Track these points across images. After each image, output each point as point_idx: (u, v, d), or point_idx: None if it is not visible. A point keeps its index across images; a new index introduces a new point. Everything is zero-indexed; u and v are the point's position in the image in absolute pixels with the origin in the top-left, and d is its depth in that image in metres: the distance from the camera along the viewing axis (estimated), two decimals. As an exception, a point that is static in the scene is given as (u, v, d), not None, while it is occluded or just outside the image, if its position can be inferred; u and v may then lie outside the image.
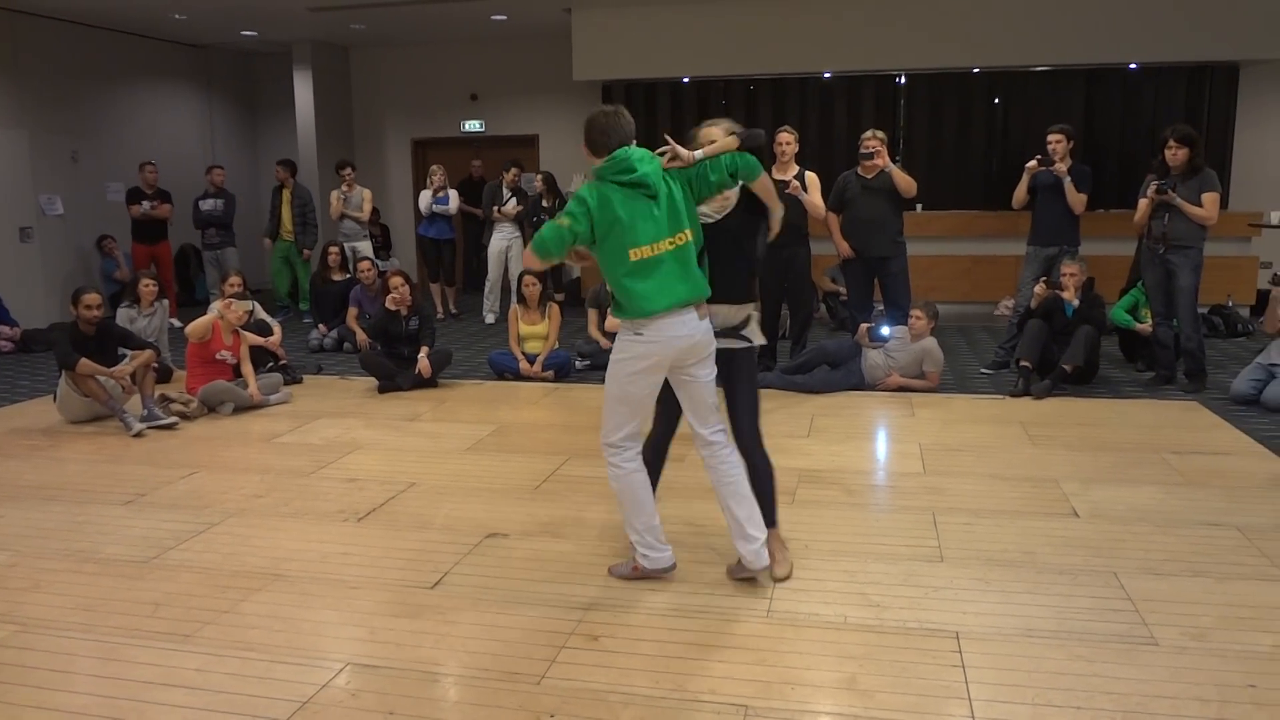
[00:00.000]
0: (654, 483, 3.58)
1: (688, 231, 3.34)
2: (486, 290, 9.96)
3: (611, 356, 3.43)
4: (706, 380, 3.41)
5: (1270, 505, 4.30)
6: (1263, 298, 8.50)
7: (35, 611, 3.41)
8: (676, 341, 3.30)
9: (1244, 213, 9.56)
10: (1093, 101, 10.12)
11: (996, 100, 10.39)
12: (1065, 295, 6.59)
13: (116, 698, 2.82)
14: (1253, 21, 9.08)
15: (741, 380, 3.60)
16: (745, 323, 3.58)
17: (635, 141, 3.41)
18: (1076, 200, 6.88)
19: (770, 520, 3.60)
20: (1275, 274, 8.41)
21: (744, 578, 3.53)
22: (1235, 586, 3.47)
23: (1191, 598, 3.37)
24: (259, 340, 6.88)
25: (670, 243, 3.31)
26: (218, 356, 6.39)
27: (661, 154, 3.36)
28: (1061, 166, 6.86)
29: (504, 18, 10.59)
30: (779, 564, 3.59)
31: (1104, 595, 3.40)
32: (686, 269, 3.33)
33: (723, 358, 3.50)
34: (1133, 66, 9.82)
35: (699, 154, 3.37)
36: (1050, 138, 6.95)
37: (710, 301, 3.43)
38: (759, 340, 3.61)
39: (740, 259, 3.55)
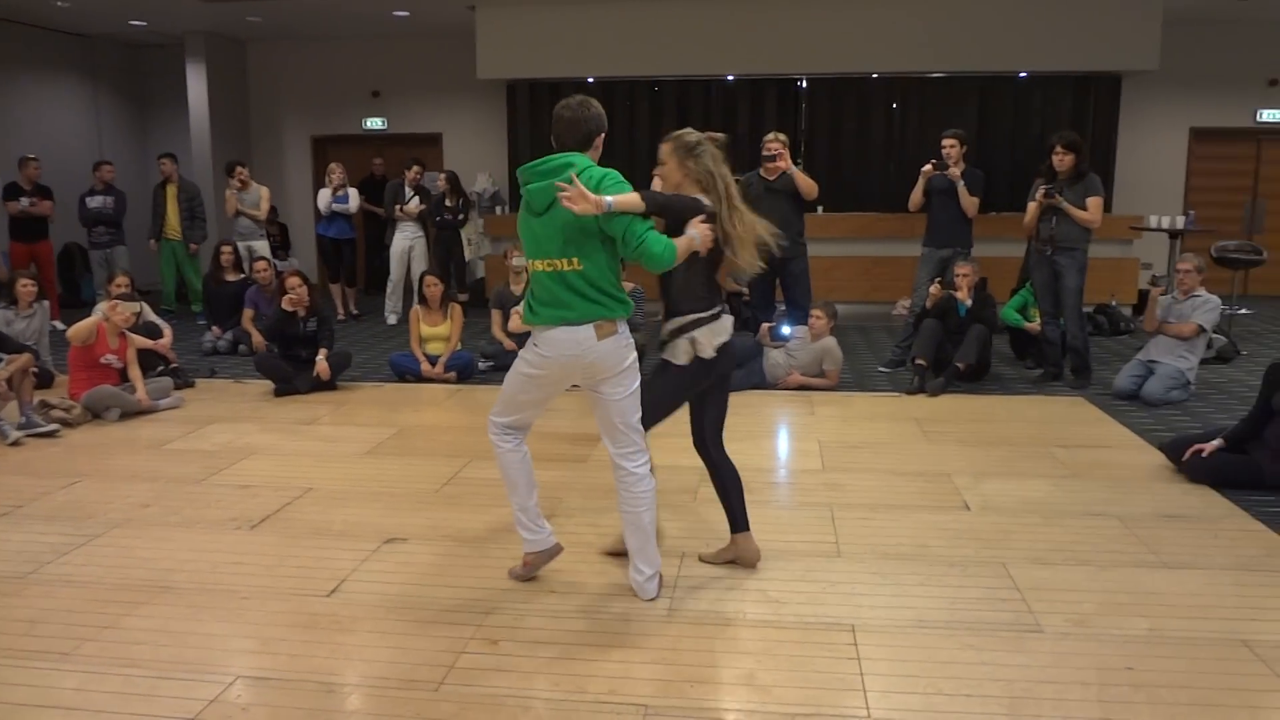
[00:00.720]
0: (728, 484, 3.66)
1: (575, 261, 3.15)
2: (389, 290, 9.79)
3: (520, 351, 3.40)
4: (615, 400, 3.27)
5: (1149, 496, 4.50)
6: (1143, 297, 8.89)
7: (-102, 632, 3.22)
8: (564, 359, 3.22)
9: (1126, 216, 9.98)
10: (985, 108, 10.45)
11: (894, 105, 10.65)
12: (959, 295, 6.79)
13: (-13, 720, 2.69)
14: (1134, 35, 9.52)
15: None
16: (669, 336, 3.49)
17: (599, 138, 3.29)
18: (969, 203, 7.09)
19: (743, 523, 3.67)
20: (1154, 275, 8.85)
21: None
22: (1115, 574, 3.61)
23: (1075, 586, 3.50)
24: (148, 343, 6.62)
25: (549, 264, 3.18)
26: (103, 360, 6.14)
27: (562, 194, 3.06)
28: (955, 170, 7.06)
29: (406, 14, 10.42)
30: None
31: (993, 585, 3.51)
32: (568, 293, 3.16)
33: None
34: (1022, 75, 10.19)
35: (608, 202, 3.06)
36: (944, 142, 7.15)
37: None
38: (678, 360, 3.45)
39: (665, 276, 3.44)
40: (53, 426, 5.66)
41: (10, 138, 10.51)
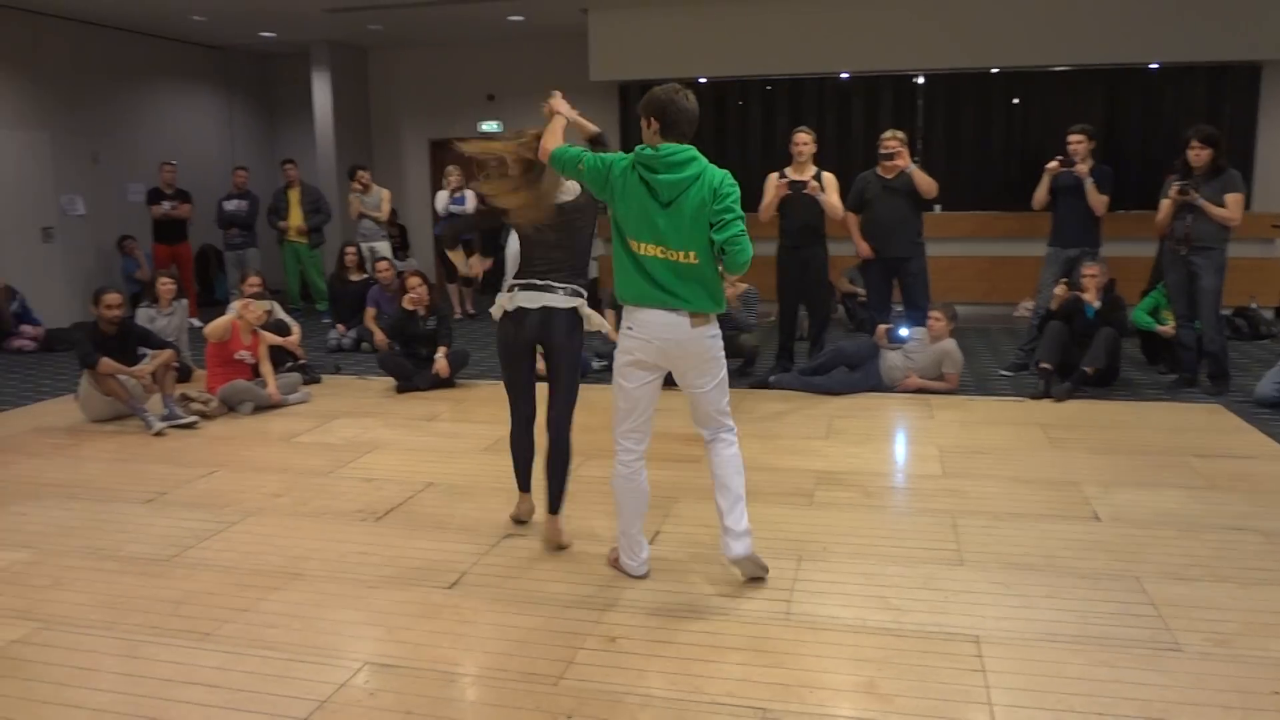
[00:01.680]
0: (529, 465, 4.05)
1: (692, 254, 3.27)
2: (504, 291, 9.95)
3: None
4: (705, 391, 3.42)
5: (1295, 510, 4.25)
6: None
7: (57, 609, 3.43)
8: (659, 342, 3.33)
9: (1268, 213, 9.47)
10: (1113, 102, 10.05)
11: (1016, 100, 10.33)
12: (1086, 297, 6.54)
13: (138, 695, 2.84)
14: (1275, 21, 8.99)
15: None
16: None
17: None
18: (1098, 201, 6.83)
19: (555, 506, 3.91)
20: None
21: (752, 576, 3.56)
22: (1259, 592, 3.43)
23: (1215, 603, 3.34)
24: (278, 340, 6.91)
25: (664, 252, 3.28)
26: (237, 356, 6.42)
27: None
28: (1083, 167, 6.81)
29: (521, 18, 10.60)
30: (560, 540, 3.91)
31: (1126, 600, 3.37)
32: (678, 281, 3.29)
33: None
34: (1154, 66, 9.75)
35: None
36: (1071, 138, 6.90)
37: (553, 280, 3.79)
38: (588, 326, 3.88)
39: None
40: (192, 418, 5.96)
41: (152, 145, 11.09)
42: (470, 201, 10.03)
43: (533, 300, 3.85)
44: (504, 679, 2.91)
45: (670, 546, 3.92)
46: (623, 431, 3.49)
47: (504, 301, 3.93)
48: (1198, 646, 3.03)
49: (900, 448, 5.39)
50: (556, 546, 3.91)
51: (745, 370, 7.26)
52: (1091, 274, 6.58)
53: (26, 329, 8.97)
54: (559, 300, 3.83)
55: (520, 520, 4.18)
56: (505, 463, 5.08)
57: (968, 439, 5.46)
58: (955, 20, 9.49)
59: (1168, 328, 7.00)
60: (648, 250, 3.30)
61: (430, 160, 12.71)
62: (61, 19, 9.98)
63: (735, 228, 3.24)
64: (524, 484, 4.16)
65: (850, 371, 6.67)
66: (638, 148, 3.34)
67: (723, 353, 3.45)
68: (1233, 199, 6.20)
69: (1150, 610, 3.29)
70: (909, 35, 9.62)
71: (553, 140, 3.60)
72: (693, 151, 3.29)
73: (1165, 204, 6.43)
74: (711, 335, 3.38)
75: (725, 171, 3.34)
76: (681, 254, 3.27)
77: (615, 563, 3.68)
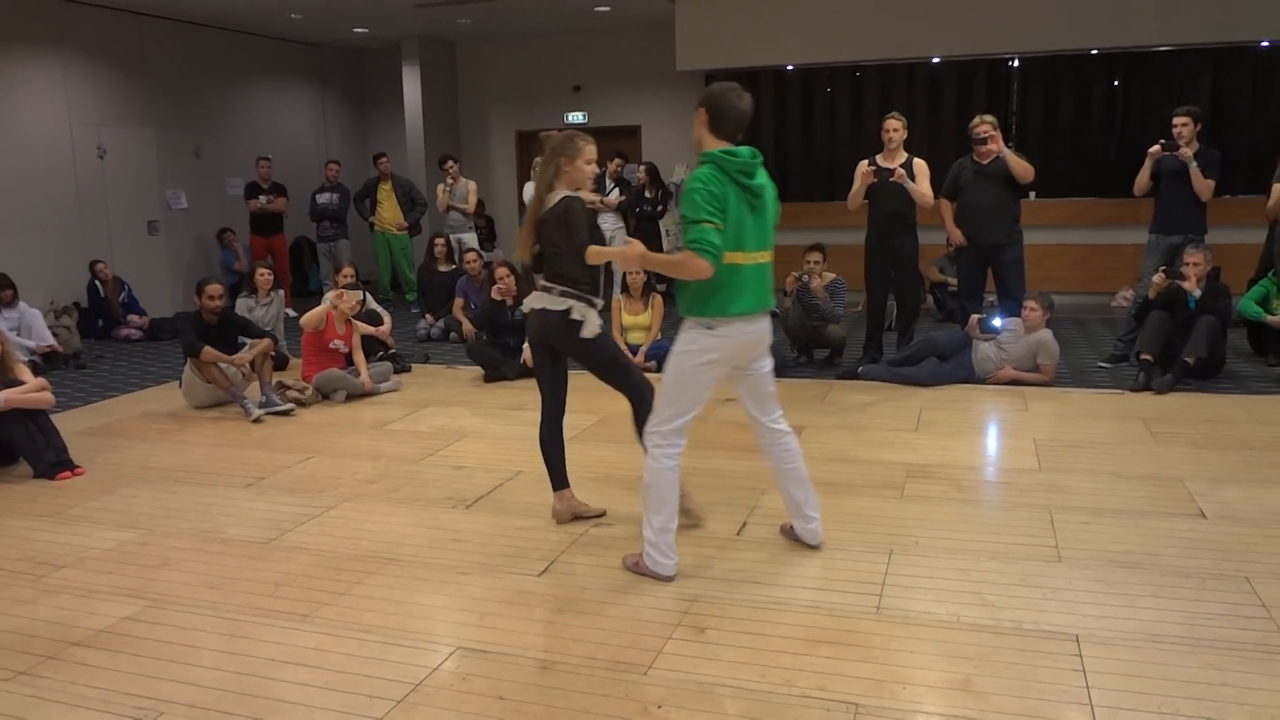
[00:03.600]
0: (558, 462, 4.07)
1: (770, 252, 3.44)
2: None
3: (676, 347, 3.45)
4: (765, 372, 3.54)
5: None
6: None
7: (165, 588, 3.57)
8: (742, 338, 3.40)
9: (1388, 198, 8.96)
10: (1220, 82, 9.64)
11: (1116, 83, 9.99)
12: (1186, 286, 6.28)
13: (242, 674, 2.94)
14: (1400, -7, 8.50)
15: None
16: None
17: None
18: (1203, 186, 6.56)
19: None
20: None
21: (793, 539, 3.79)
22: (1381, 595, 3.26)
23: (1333, 606, 3.19)
24: (370, 330, 7.06)
25: (765, 257, 3.41)
26: (331, 345, 6.59)
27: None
28: (1188, 151, 6.54)
29: (607, 9, 10.62)
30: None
31: (1235, 601, 3.24)
32: (763, 283, 3.43)
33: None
34: (1264, 44, 9.30)
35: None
36: (1176, 120, 6.63)
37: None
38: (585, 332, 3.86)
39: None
40: (288, 406, 6.13)
41: (250, 140, 11.44)
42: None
43: (534, 301, 3.93)
44: (593, 667, 2.93)
45: (758, 538, 3.90)
46: (680, 426, 3.45)
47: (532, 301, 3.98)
48: (1314, 651, 2.90)
49: (994, 441, 5.27)
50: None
51: (833, 361, 7.17)
52: (1194, 262, 6.32)
53: (133, 318, 9.34)
54: (553, 302, 3.84)
55: (575, 517, 4.12)
56: (594, 452, 5.15)
57: (1065, 432, 5.30)
58: (1052, 1, 9.19)
59: (1278, 317, 6.69)
60: (758, 258, 3.39)
61: (517, 151, 12.83)
62: (167, 19, 10.34)
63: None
64: (557, 482, 4.12)
65: (941, 362, 6.54)
66: (716, 153, 3.28)
67: None
68: (1351, 183, 5.90)
69: (1261, 612, 3.15)
70: (1003, 17, 9.35)
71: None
72: (755, 151, 3.40)
73: (1277, 189, 6.14)
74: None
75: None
76: (766, 254, 3.43)
77: (637, 566, 3.55)
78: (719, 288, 3.30)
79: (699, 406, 3.47)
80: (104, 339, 9.12)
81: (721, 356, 3.39)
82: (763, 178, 3.38)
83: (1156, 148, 6.67)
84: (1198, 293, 6.27)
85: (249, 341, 6.42)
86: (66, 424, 5.51)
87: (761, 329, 3.45)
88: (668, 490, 3.45)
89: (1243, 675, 2.78)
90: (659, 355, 7.12)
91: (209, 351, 6.06)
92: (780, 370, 6.85)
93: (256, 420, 5.95)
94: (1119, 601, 3.26)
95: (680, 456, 3.47)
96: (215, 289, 6.27)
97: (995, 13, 9.33)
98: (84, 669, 2.99)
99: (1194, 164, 6.52)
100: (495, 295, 7.01)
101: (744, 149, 3.33)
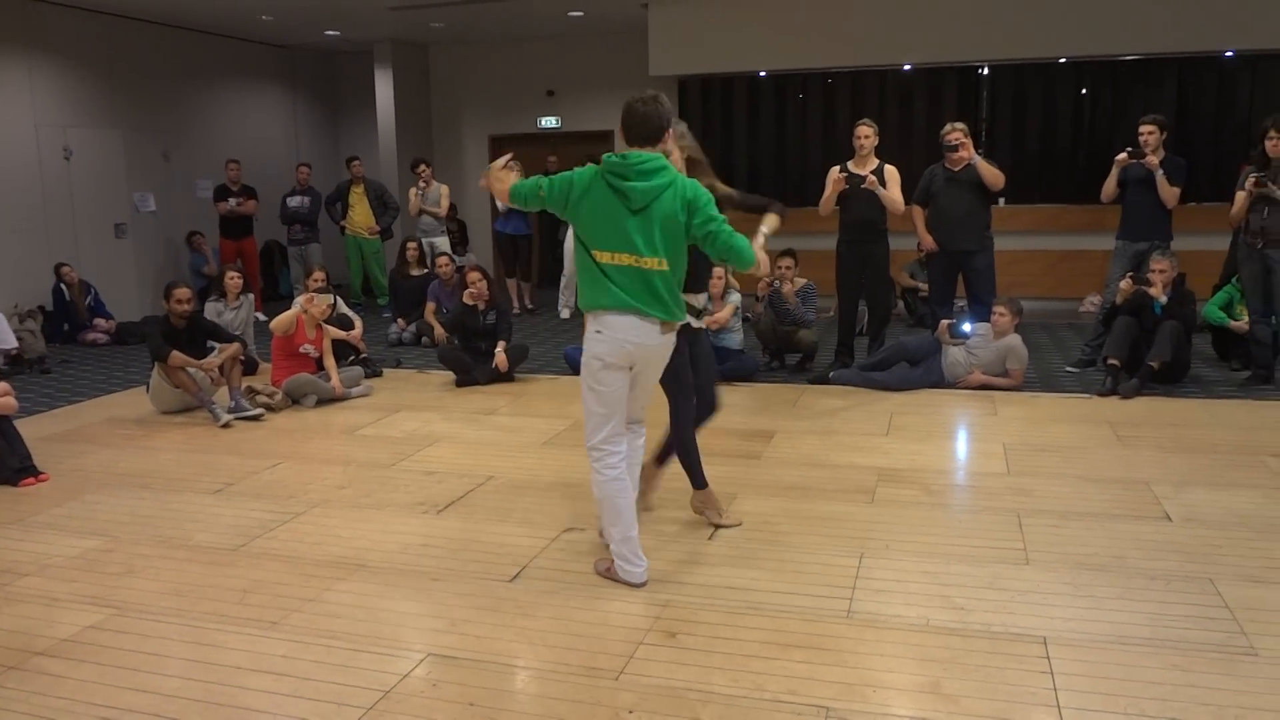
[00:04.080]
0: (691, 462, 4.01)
1: (662, 261, 3.30)
2: (562, 285, 10.02)
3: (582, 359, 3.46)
4: (653, 381, 3.57)
5: (1379, 512, 4.10)
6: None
7: (131, 596, 3.52)
8: (629, 346, 3.33)
9: (1348, 206, 9.11)
10: (1185, 91, 9.78)
11: (1084, 91, 10.11)
12: (1152, 292, 6.35)
13: (207, 681, 2.90)
14: (1360, 5, 8.67)
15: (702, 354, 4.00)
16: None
17: (668, 132, 3.41)
18: (1169, 194, 6.64)
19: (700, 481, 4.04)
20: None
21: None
22: (1342, 597, 3.31)
23: (1294, 607, 3.23)
24: (341, 334, 7.01)
25: (634, 259, 3.28)
26: (301, 350, 6.53)
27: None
28: (1154, 159, 6.63)
29: (580, 14, 10.62)
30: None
31: (1200, 602, 3.28)
32: (646, 291, 3.30)
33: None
34: (1228, 54, 9.46)
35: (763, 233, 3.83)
36: (1142, 129, 6.72)
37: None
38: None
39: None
40: (258, 411, 6.08)
41: (220, 142, 11.34)
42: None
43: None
44: (565, 673, 2.92)
45: (730, 542, 3.91)
46: (604, 438, 3.43)
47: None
48: (1274, 651, 2.94)
49: (963, 445, 5.31)
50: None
51: (804, 366, 7.20)
52: (1160, 268, 6.40)
53: (100, 322, 9.23)
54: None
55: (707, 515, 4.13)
56: (565, 456, 5.14)
57: (1033, 436, 5.35)
58: (1021, 9, 9.29)
59: (1241, 323, 6.79)
60: (619, 259, 3.30)
61: (490, 156, 12.79)
62: (135, 20, 10.22)
63: (722, 233, 3.32)
64: (696, 481, 4.06)
65: (911, 367, 6.58)
66: (605, 156, 3.35)
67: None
68: (1313, 191, 6.00)
69: (1225, 613, 3.19)
70: (973, 25, 9.44)
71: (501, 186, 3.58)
72: (662, 160, 3.33)
73: (1241, 196, 6.24)
74: (671, 340, 3.47)
75: (693, 180, 3.41)
76: (654, 260, 3.29)
77: (609, 572, 3.55)
78: (588, 283, 3.37)
79: (614, 417, 3.42)
80: (70, 343, 9.01)
81: (611, 361, 3.34)
82: (645, 182, 3.25)
83: (1123, 155, 6.76)
84: (1164, 299, 6.35)
85: (218, 346, 6.35)
86: (30, 430, 5.43)
87: (651, 340, 3.34)
88: (619, 500, 3.43)
89: (1207, 676, 2.81)
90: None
91: (177, 356, 5.99)
92: (752, 375, 6.96)
93: (225, 425, 5.89)
94: (1086, 604, 3.29)
95: (623, 463, 3.45)
96: (183, 293, 6.20)
97: (966, 21, 9.42)
98: (47, 679, 2.94)
99: (1160, 172, 6.61)
100: (468, 300, 6.98)
101: (636, 154, 3.29)
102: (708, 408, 4.07)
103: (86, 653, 3.10)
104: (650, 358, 3.43)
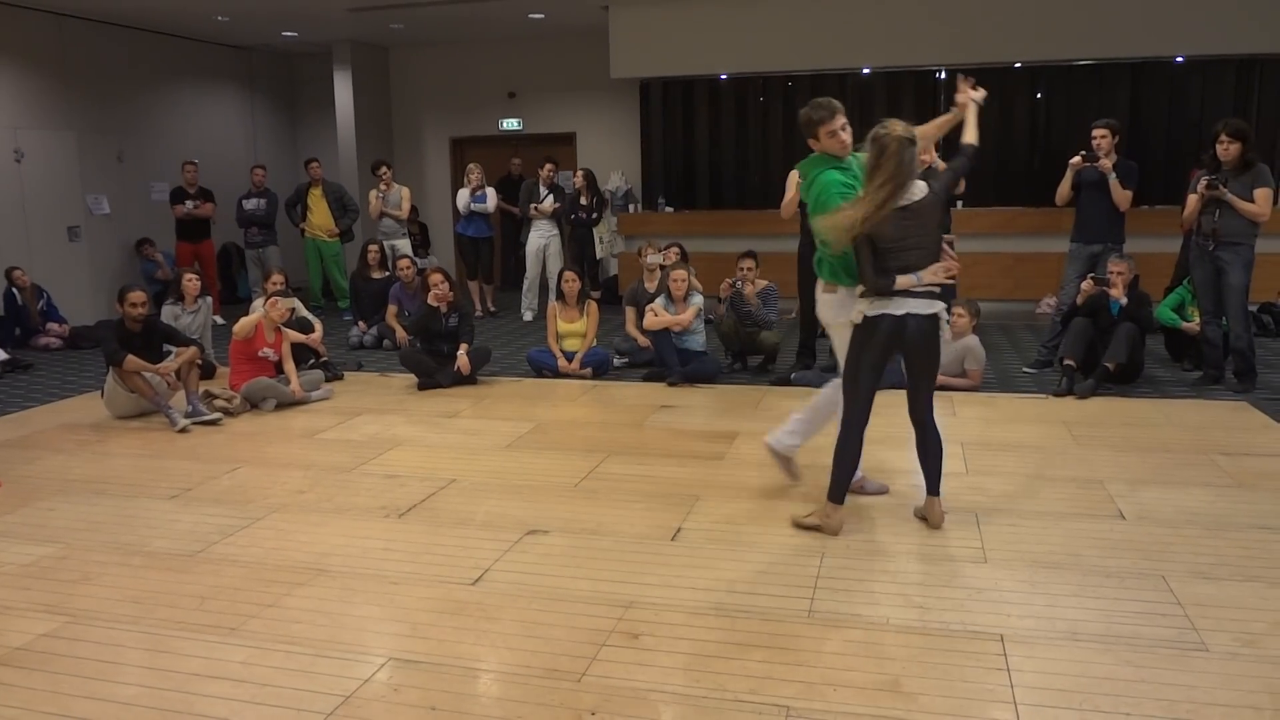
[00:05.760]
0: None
1: None
2: (525, 288, 10.00)
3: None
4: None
5: (1324, 508, 4.20)
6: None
7: (85, 603, 3.46)
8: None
9: (1296, 209, 9.34)
10: (1138, 96, 9.96)
11: (1039, 95, 10.27)
12: (1113, 293, 6.46)
13: (164, 689, 2.86)
14: (1305, 13, 8.89)
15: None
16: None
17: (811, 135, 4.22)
18: (1122, 197, 6.77)
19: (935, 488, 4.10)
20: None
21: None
22: (1288, 591, 3.39)
23: (1243, 603, 3.30)
24: (301, 337, 6.95)
25: None
26: (260, 353, 6.46)
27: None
28: (1106, 162, 6.74)
29: (541, 16, 10.61)
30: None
31: (1152, 599, 3.34)
32: None
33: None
34: (1179, 59, 9.65)
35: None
36: (1095, 133, 6.84)
37: None
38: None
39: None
40: (216, 415, 6.00)
41: (175, 144, 11.19)
42: (491, 200, 10.06)
43: (898, 307, 3.86)
44: (527, 675, 2.91)
45: (692, 544, 3.92)
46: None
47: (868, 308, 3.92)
48: (1225, 646, 3.00)
49: (923, 445, 5.36)
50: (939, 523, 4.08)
51: (766, 367, 7.24)
52: (1119, 270, 6.51)
53: (53, 327, 9.07)
54: (925, 305, 3.89)
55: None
56: (527, 459, 5.13)
57: (991, 436, 5.43)
58: (977, 14, 9.43)
59: (1193, 324, 6.93)
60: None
61: (451, 158, 12.75)
62: (87, 20, 10.07)
63: None
64: (835, 496, 4.05)
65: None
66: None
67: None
68: (1262, 194, 6.13)
69: (1177, 610, 3.26)
70: (930, 30, 9.57)
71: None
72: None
73: (1192, 199, 6.36)
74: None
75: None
76: None
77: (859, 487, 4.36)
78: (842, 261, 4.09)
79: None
80: (22, 348, 8.83)
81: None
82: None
83: (1077, 159, 6.87)
84: (1124, 300, 6.46)
85: (175, 350, 6.27)
86: (-19, 436, 5.32)
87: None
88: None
89: (1158, 671, 2.87)
90: (595, 362, 7.13)
91: (132, 360, 5.91)
92: (714, 376, 6.99)
93: (182, 430, 5.81)
94: (1042, 601, 3.34)
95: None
96: (138, 296, 6.11)
97: (923, 26, 9.54)
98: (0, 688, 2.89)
99: (1113, 175, 6.73)
100: (432, 301, 6.94)
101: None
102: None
103: (40, 661, 3.05)
104: None
